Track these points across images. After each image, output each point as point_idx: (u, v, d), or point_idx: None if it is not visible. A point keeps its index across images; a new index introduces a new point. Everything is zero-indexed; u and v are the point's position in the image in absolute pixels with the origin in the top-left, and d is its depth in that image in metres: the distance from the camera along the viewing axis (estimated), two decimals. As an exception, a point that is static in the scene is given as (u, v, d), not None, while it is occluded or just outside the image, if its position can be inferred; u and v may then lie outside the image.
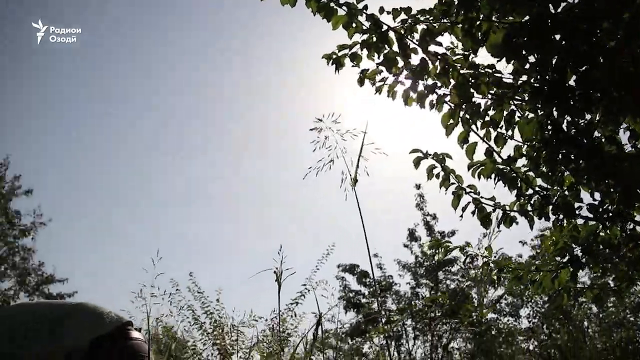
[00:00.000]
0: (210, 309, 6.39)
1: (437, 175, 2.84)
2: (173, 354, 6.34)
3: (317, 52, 2.72)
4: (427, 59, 2.44)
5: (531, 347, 13.64)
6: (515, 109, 2.43)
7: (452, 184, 2.81)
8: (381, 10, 2.45)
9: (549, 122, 2.27)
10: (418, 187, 14.14)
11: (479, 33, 2.31)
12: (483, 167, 2.68)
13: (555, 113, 2.23)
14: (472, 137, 2.59)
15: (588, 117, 2.36)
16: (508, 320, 13.95)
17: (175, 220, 29.03)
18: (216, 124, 34.01)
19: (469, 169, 2.79)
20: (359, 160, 1.42)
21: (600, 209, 2.50)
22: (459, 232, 14.42)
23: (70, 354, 1.70)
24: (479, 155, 2.73)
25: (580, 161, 2.34)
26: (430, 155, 2.83)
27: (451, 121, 2.54)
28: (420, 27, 2.45)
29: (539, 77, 2.22)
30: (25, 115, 28.51)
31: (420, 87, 2.51)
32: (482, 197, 2.72)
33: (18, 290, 16.73)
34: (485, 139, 2.57)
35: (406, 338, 14.22)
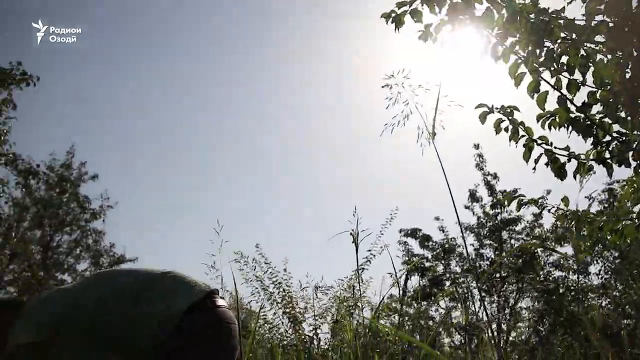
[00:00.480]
0: (278, 279, 6.53)
1: (506, 129, 2.77)
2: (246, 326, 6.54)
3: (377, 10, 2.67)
4: (492, 8, 2.35)
5: (604, 304, 13.31)
6: (589, 52, 2.32)
7: (522, 136, 2.74)
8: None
9: (628, 63, 2.16)
10: (477, 146, 13.85)
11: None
12: (554, 117, 2.59)
13: (635, 52, 2.12)
14: (543, 86, 2.49)
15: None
16: (578, 278, 13.60)
17: (240, 191, 29.71)
18: (282, 92, 34.07)
19: (538, 120, 2.71)
20: (436, 111, 1.39)
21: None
22: (521, 191, 14.08)
23: (163, 321, 1.78)
24: (549, 105, 2.64)
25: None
26: (497, 109, 2.76)
27: (520, 71, 2.45)
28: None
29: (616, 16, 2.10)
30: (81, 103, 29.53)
31: (487, 38, 2.43)
32: (555, 148, 2.64)
33: (93, 272, 17.60)
34: (556, 87, 2.47)
35: (472, 300, 14.12)
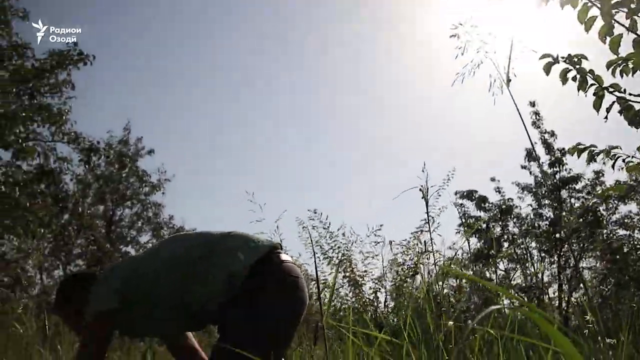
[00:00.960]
0: (337, 243, 6.57)
1: (574, 79, 2.66)
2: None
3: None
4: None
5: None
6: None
7: (592, 85, 2.62)
8: None
9: None
10: (532, 104, 13.39)
11: None
12: (627, 63, 2.47)
13: None
14: (616, 30, 2.37)
15: None
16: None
17: (297, 156, 29.98)
18: (348, 47, 33.76)
19: (608, 68, 2.58)
20: (510, 57, 1.34)
21: None
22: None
23: (232, 277, 1.83)
24: (622, 50, 2.50)
25: None
26: (562, 58, 2.65)
27: (590, 15, 2.34)
28: None
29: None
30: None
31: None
32: (629, 95, 2.52)
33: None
34: (631, 30, 2.34)
35: (531, 261, 13.87)
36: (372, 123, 31.81)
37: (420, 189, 1.95)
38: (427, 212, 1.97)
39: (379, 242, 6.31)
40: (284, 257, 1.93)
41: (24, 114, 9.70)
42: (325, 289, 6.62)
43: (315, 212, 6.80)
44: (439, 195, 6.53)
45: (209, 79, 31.65)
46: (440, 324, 1.71)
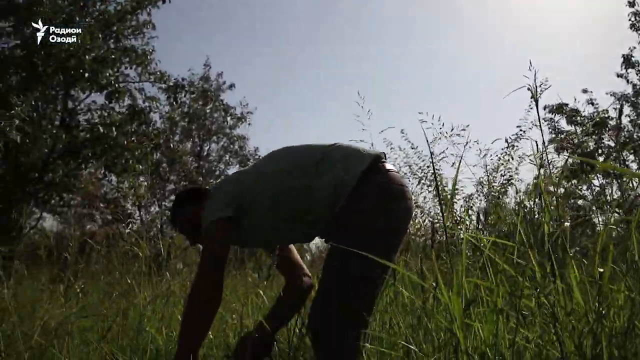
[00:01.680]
0: (426, 162, 6.50)
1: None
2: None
3: None
4: None
5: None
6: None
7: None
8: None
9: None
10: (632, 3, 12.28)
11: None
12: None
13: None
14: None
15: None
16: None
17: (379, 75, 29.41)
18: None
19: None
20: None
21: None
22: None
23: (340, 185, 1.84)
24: None
25: None
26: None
27: None
28: None
29: None
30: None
31: None
32: None
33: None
34: None
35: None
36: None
37: (528, 88, 1.86)
38: (538, 112, 1.89)
39: (467, 143, 6.11)
40: (389, 166, 1.93)
41: (113, 57, 10.08)
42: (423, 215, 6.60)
43: (402, 132, 6.72)
44: (530, 109, 6.26)
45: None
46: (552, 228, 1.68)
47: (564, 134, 12.88)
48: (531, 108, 6.40)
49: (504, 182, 6.23)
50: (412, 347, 1.73)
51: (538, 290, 1.47)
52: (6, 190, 9.46)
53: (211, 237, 1.93)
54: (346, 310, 1.75)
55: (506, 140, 6.49)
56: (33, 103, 9.27)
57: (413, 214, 1.96)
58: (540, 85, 1.88)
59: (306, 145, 2.05)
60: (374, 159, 1.90)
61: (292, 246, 2.34)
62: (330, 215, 1.86)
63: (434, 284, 1.88)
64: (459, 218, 6.51)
